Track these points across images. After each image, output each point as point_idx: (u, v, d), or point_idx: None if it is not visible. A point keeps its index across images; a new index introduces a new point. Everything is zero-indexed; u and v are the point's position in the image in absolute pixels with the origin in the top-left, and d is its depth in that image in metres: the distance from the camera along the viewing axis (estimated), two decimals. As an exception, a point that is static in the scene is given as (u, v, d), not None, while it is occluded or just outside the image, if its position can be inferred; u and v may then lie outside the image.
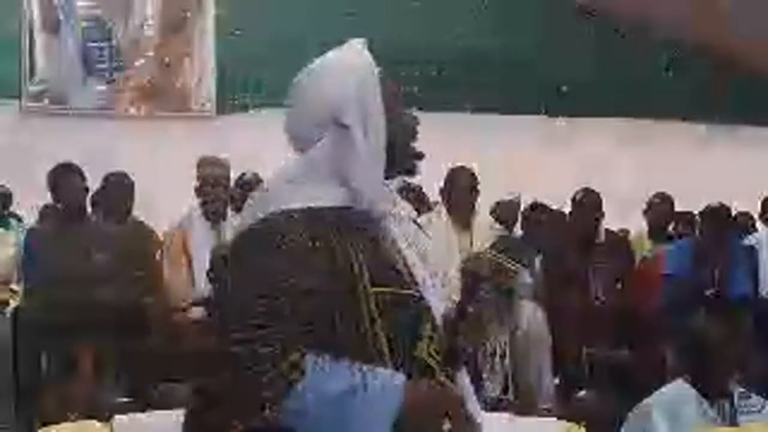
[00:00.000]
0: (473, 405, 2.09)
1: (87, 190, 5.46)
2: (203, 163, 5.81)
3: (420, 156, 2.12)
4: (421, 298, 2.03)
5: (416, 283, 2.04)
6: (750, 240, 6.68)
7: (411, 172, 2.12)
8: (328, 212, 1.98)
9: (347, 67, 2.05)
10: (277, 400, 1.85)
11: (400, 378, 1.90)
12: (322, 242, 1.94)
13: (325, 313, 1.92)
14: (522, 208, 7.13)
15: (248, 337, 1.87)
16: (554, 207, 7.08)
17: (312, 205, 1.98)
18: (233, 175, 6.04)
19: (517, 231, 7.13)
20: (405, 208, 2.17)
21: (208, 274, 5.12)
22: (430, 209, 5.98)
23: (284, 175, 2.08)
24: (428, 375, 1.98)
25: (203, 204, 5.68)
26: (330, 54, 2.10)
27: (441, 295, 2.11)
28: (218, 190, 5.66)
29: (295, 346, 1.87)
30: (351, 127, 2.00)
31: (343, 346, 1.92)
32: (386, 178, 2.07)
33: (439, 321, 2.05)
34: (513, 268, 5.06)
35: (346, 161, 2.00)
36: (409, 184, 6.76)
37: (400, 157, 2.08)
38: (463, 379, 2.09)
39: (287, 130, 2.10)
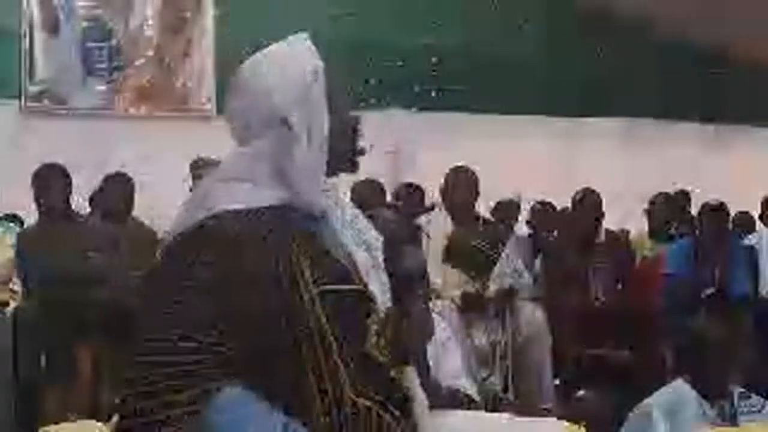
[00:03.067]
0: (420, 405, 2.06)
1: (70, 189, 5.37)
2: (196, 165, 5.82)
3: (361, 152, 2.09)
4: (366, 292, 2.00)
5: (361, 278, 2.01)
6: (750, 240, 6.69)
7: (351, 168, 2.08)
8: (266, 212, 1.94)
9: (294, 64, 2.01)
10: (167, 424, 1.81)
11: None
12: (259, 245, 1.90)
13: (268, 319, 1.88)
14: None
15: (163, 354, 1.84)
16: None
17: (249, 206, 1.94)
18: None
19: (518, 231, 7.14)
20: (347, 204, 2.14)
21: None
22: (432, 209, 5.98)
23: (222, 173, 2.03)
24: (379, 371, 1.96)
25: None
26: (275, 48, 2.06)
27: (385, 289, 2.06)
28: None
29: (212, 374, 1.83)
30: (295, 128, 1.96)
31: (290, 348, 1.89)
32: (328, 174, 2.03)
33: (383, 315, 2.02)
34: (490, 253, 5.08)
35: (286, 161, 1.96)
36: (411, 184, 6.77)
37: (342, 154, 2.04)
38: (412, 376, 2.07)
39: (228, 121, 2.06)
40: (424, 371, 2.13)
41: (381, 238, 2.10)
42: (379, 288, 2.03)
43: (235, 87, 2.05)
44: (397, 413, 1.96)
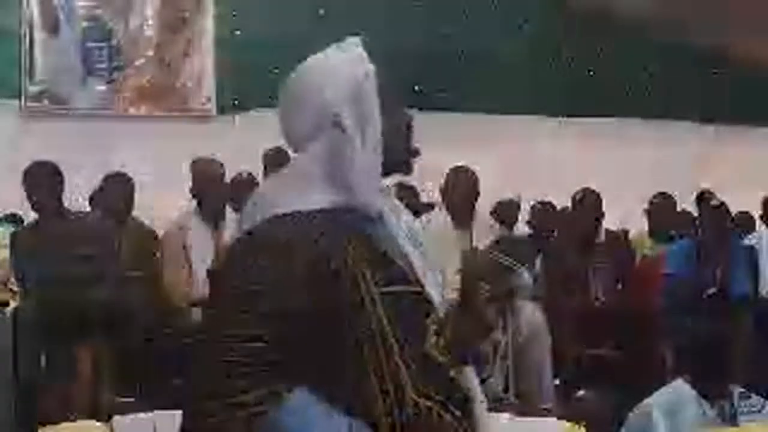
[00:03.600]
0: (480, 405, 2.07)
1: (61, 187, 5.34)
2: (196, 165, 5.84)
3: (415, 153, 2.10)
4: (424, 293, 2.02)
5: (418, 279, 2.02)
6: (750, 240, 6.68)
7: (406, 169, 2.10)
8: (318, 215, 1.96)
9: (345, 68, 2.03)
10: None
11: None
12: (312, 247, 1.91)
13: (329, 321, 1.90)
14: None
15: (227, 360, 1.86)
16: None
17: (306, 208, 1.96)
18: (231, 175, 6.05)
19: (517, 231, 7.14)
20: (399, 205, 2.15)
21: (208, 273, 5.12)
22: (431, 209, 5.98)
23: (279, 178, 2.07)
24: (439, 371, 1.97)
25: (199, 204, 5.70)
26: (327, 52, 2.08)
27: (440, 291, 2.08)
28: (212, 190, 5.67)
29: (275, 376, 1.85)
30: (348, 130, 1.98)
31: (351, 350, 1.90)
32: (382, 175, 2.04)
33: (442, 315, 2.04)
34: (514, 267, 5.06)
35: (341, 164, 1.98)
36: (400, 182, 6.77)
37: (395, 155, 2.05)
38: (471, 376, 2.08)
39: (282, 128, 2.08)
40: (481, 370, 2.14)
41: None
42: (435, 289, 2.05)
43: (285, 91, 2.07)
44: (458, 413, 1.98)
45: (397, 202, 2.14)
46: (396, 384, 1.92)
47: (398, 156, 2.07)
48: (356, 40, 2.09)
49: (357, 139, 1.98)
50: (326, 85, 2.01)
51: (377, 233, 2.01)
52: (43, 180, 5.25)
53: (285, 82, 2.07)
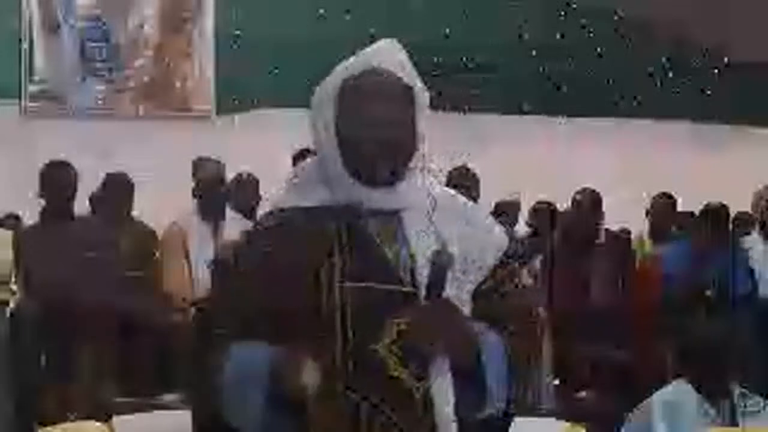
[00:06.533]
0: (443, 411, 2.01)
1: (75, 188, 5.37)
2: (198, 165, 5.88)
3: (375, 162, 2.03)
4: (406, 294, 2.00)
5: (411, 278, 2.01)
6: (749, 240, 6.67)
7: (372, 173, 2.03)
8: (311, 211, 2.05)
9: (331, 75, 2.09)
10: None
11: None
12: (297, 236, 2.03)
13: (300, 306, 1.98)
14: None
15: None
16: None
17: (299, 204, 2.08)
18: (231, 175, 6.06)
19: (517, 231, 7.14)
20: (443, 206, 2.14)
21: (210, 273, 5.12)
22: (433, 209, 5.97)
23: (289, 177, 2.18)
24: (382, 370, 1.98)
25: (200, 204, 5.72)
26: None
27: (463, 293, 2.06)
28: (214, 190, 5.69)
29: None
30: (319, 133, 2.07)
31: (299, 334, 1.97)
32: (368, 178, 2.04)
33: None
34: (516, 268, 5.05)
35: (322, 165, 2.08)
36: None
37: (366, 159, 2.04)
38: (436, 379, 2.01)
39: None
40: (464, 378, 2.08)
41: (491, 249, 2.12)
42: (454, 292, 2.02)
43: None
44: (393, 415, 1.98)
45: (447, 202, 2.15)
46: (328, 374, 1.94)
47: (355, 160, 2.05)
48: (391, 42, 2.12)
49: (320, 144, 2.07)
50: (317, 90, 2.09)
51: (368, 229, 2.04)
52: (59, 182, 5.28)
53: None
